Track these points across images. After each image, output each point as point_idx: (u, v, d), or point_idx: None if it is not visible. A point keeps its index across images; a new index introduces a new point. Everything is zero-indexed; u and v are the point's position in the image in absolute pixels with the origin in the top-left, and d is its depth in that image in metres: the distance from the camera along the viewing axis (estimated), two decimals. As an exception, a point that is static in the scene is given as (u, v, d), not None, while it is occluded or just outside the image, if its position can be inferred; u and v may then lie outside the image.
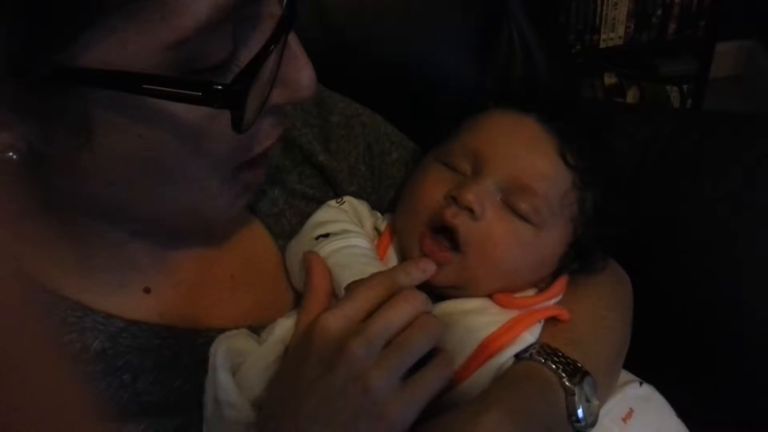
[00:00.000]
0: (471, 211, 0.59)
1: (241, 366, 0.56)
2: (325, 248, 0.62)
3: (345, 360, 0.49)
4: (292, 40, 0.49)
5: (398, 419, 0.48)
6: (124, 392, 0.55)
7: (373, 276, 0.55)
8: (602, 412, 0.59)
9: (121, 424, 0.54)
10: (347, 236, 0.63)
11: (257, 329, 0.61)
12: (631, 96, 2.28)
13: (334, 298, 0.58)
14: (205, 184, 0.52)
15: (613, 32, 2.20)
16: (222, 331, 0.59)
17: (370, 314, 0.52)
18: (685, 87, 2.27)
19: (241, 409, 0.53)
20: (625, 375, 0.67)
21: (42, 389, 0.38)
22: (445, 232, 0.60)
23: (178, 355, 0.58)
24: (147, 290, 0.60)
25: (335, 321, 0.51)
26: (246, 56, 0.45)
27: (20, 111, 0.43)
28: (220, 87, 0.43)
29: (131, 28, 0.40)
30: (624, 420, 0.62)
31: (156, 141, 0.46)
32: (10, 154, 0.44)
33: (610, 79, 2.28)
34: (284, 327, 0.57)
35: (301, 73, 0.50)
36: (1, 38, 0.38)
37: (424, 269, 0.57)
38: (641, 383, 0.67)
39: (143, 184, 0.50)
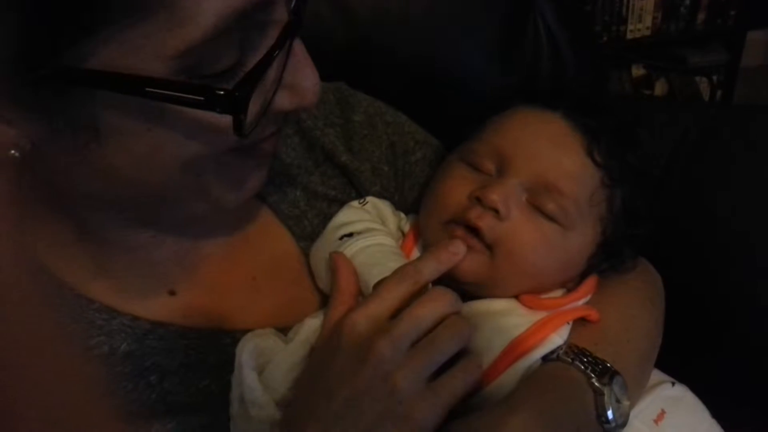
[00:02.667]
0: (496, 211, 0.58)
1: (267, 365, 0.56)
2: (351, 248, 0.61)
3: (372, 359, 0.49)
4: (298, 46, 0.50)
5: (424, 420, 0.48)
6: (152, 392, 0.56)
7: (398, 270, 0.54)
8: (633, 413, 0.58)
9: (148, 424, 0.55)
10: (372, 234, 0.63)
11: (281, 330, 0.61)
12: (660, 88, 2.25)
13: (362, 297, 0.58)
14: (209, 171, 0.52)
15: (641, 23, 2.17)
16: (246, 331, 0.59)
17: (398, 311, 0.51)
18: (714, 78, 2.24)
19: (267, 407, 0.53)
20: (657, 375, 0.66)
21: (66, 390, 0.38)
22: (471, 232, 0.59)
23: (204, 355, 0.59)
24: (172, 292, 0.61)
25: (362, 320, 0.51)
26: (251, 62, 0.46)
27: (26, 109, 0.44)
28: (222, 92, 0.43)
29: (139, 35, 0.41)
30: (655, 421, 0.61)
31: (158, 141, 0.47)
32: (13, 152, 0.44)
33: (637, 71, 2.25)
34: (310, 327, 0.57)
35: (305, 80, 0.50)
36: (10, 37, 0.39)
37: (453, 252, 0.56)
38: (674, 383, 0.66)
39: (146, 176, 0.50)
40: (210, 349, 0.60)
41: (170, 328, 0.59)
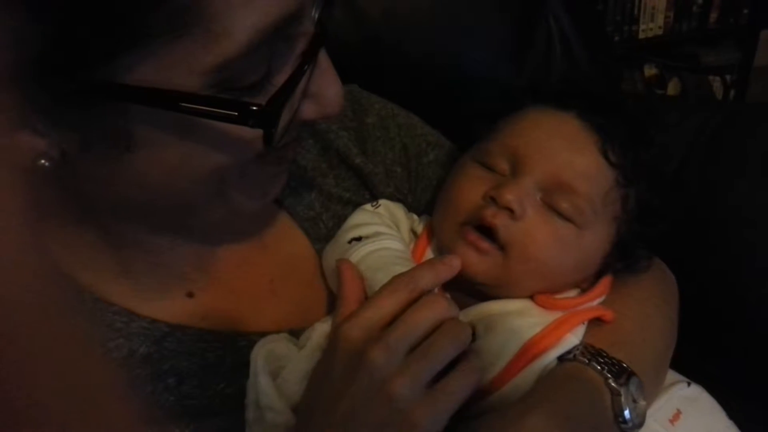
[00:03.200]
0: (511, 211, 0.58)
1: (282, 371, 0.56)
2: (358, 252, 0.61)
3: (365, 368, 0.48)
4: (322, 56, 0.50)
5: (426, 427, 0.47)
6: (170, 395, 0.56)
7: (393, 279, 0.54)
8: (648, 413, 0.57)
9: (165, 427, 0.55)
10: (380, 239, 0.63)
11: (298, 332, 0.61)
12: (672, 87, 2.23)
13: None
14: (234, 179, 0.53)
15: (653, 22, 2.16)
16: (263, 334, 0.60)
17: (394, 320, 0.51)
18: (728, 77, 2.22)
19: (282, 413, 0.54)
20: (672, 375, 0.66)
21: (84, 393, 0.39)
22: (486, 232, 0.59)
23: (221, 358, 0.59)
24: (190, 295, 0.61)
25: (355, 329, 0.50)
26: (279, 74, 0.46)
27: (59, 121, 0.44)
28: (255, 108, 0.44)
29: (175, 52, 0.41)
30: (671, 421, 0.61)
31: (190, 153, 0.47)
32: (43, 161, 0.45)
33: (650, 71, 2.24)
34: (322, 332, 0.58)
35: (330, 89, 0.51)
36: (47, 50, 0.39)
37: (450, 265, 0.56)
38: (689, 383, 0.65)
39: (176, 187, 0.51)
40: (227, 351, 0.60)
41: (188, 331, 0.59)
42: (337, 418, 0.48)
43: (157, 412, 0.55)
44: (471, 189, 0.61)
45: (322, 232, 0.69)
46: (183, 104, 0.43)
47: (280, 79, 0.46)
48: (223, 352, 0.60)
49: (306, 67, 0.47)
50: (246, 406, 0.56)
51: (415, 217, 0.71)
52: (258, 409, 0.54)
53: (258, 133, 0.46)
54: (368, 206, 0.69)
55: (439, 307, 0.51)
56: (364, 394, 0.48)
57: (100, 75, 0.41)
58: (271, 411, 0.54)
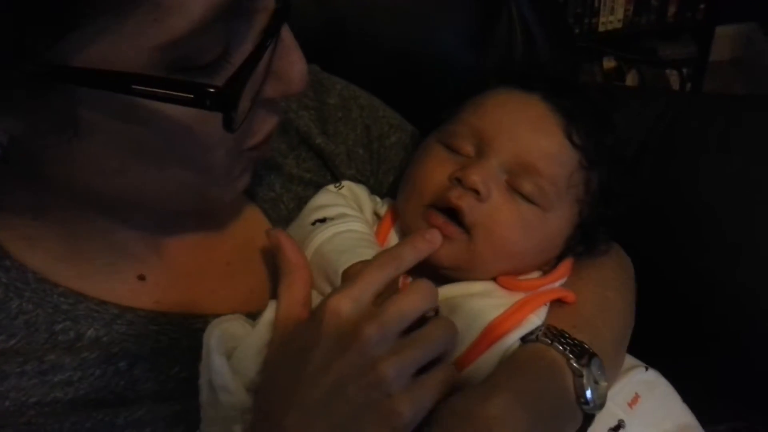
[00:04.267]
0: (476, 192, 0.57)
1: (235, 350, 0.54)
2: (322, 234, 0.60)
3: (358, 344, 0.47)
4: (285, 33, 0.48)
5: (407, 416, 0.46)
6: (120, 379, 0.54)
7: (379, 256, 0.53)
8: (607, 397, 0.58)
9: (116, 411, 0.53)
10: (344, 221, 0.62)
11: (255, 315, 0.59)
12: (631, 80, 2.27)
13: (329, 284, 0.57)
14: (202, 170, 0.51)
15: (612, 15, 2.19)
16: (220, 317, 0.58)
17: (379, 296, 0.50)
18: (684, 71, 2.27)
19: (236, 393, 0.51)
20: (630, 360, 0.66)
21: None
22: (451, 214, 0.59)
23: (175, 341, 0.57)
24: (142, 277, 0.59)
25: (346, 304, 0.49)
26: (238, 52, 0.44)
27: (4, 104, 0.42)
28: (212, 90, 0.42)
29: (123, 28, 0.39)
30: (630, 405, 0.62)
31: (148, 137, 0.45)
32: None
33: (609, 63, 2.27)
34: (274, 309, 0.56)
35: (294, 66, 0.49)
36: None
37: (430, 240, 0.55)
38: (647, 368, 0.66)
39: (137, 174, 0.48)
40: (182, 334, 0.58)
41: (140, 313, 0.57)
42: (320, 393, 0.46)
43: (107, 397, 0.53)
44: (436, 171, 0.61)
45: (283, 213, 0.67)
46: (134, 86, 0.40)
47: (239, 57, 0.44)
48: (177, 335, 0.58)
49: (268, 43, 0.45)
50: (199, 387, 0.54)
51: (377, 199, 0.70)
52: (211, 390, 0.52)
53: (216, 116, 0.43)
54: (332, 187, 0.67)
55: (430, 295, 0.51)
56: (353, 371, 0.46)
57: (45, 57, 0.39)
58: (225, 391, 0.51)
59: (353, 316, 0.48)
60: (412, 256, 0.53)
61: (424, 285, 0.51)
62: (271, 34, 0.45)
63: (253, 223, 0.67)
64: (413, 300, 0.49)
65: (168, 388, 0.56)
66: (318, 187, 0.68)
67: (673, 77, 2.26)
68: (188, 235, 0.62)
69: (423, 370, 0.49)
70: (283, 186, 0.69)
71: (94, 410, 0.52)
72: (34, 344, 0.53)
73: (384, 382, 0.46)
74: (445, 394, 0.49)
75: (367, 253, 0.56)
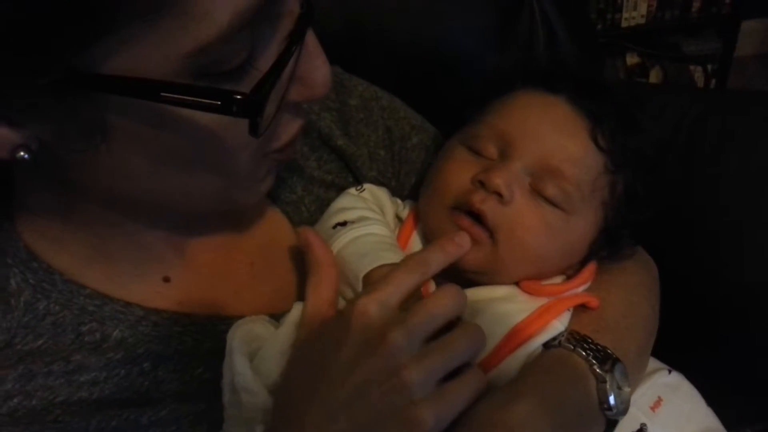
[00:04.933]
0: (499, 195, 0.57)
1: (258, 351, 0.55)
2: (343, 237, 0.60)
3: (385, 349, 0.46)
4: (309, 37, 0.48)
5: (430, 423, 0.45)
6: (144, 380, 0.55)
7: (407, 260, 0.52)
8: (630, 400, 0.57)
9: (141, 409, 0.53)
10: (365, 224, 0.61)
11: (278, 317, 0.60)
12: (654, 76, 2.25)
13: (350, 288, 0.57)
14: (227, 174, 0.51)
15: (636, 11, 2.16)
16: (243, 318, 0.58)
17: (406, 300, 0.50)
18: (709, 66, 2.24)
19: (258, 394, 0.52)
20: (653, 363, 0.66)
21: None
22: (473, 217, 0.58)
23: (199, 342, 0.58)
24: (166, 279, 0.60)
25: (374, 307, 0.48)
26: (263, 58, 0.44)
27: (35, 113, 0.42)
28: (239, 96, 0.42)
29: (150, 36, 0.39)
30: (652, 408, 0.61)
31: (175, 143, 0.46)
32: (22, 153, 0.44)
33: (632, 59, 2.25)
34: (299, 310, 0.56)
35: (317, 71, 0.49)
36: (19, 42, 0.38)
37: (459, 244, 0.54)
38: (670, 371, 0.66)
39: (163, 178, 0.49)
40: (205, 336, 0.59)
41: (164, 315, 0.58)
42: (344, 393, 0.46)
43: (131, 397, 0.54)
44: (458, 173, 0.60)
45: (304, 215, 0.68)
46: (162, 94, 0.41)
47: (264, 62, 0.44)
48: (201, 337, 0.58)
49: (294, 49, 0.45)
50: (222, 388, 0.54)
51: (399, 201, 0.70)
52: (234, 391, 0.53)
53: (243, 122, 0.43)
54: (353, 190, 0.67)
55: (459, 300, 0.50)
56: (378, 375, 0.46)
57: (73, 65, 0.39)
58: (247, 392, 0.52)
59: (381, 320, 0.48)
60: (440, 260, 0.53)
61: (453, 290, 0.50)
62: (296, 39, 0.45)
63: (275, 224, 0.67)
64: (441, 305, 0.49)
65: (191, 389, 0.56)
66: (339, 189, 0.68)
67: (698, 73, 2.23)
68: (212, 236, 0.63)
69: (451, 375, 0.48)
70: (305, 188, 0.69)
71: (119, 409, 0.53)
72: (60, 345, 0.54)
73: (407, 388, 0.45)
74: (471, 401, 0.48)
75: (388, 257, 0.56)
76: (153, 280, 0.59)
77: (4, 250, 0.55)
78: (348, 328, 0.48)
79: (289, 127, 0.53)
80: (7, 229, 0.56)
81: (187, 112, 0.42)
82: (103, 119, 0.43)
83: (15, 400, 0.51)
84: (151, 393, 0.55)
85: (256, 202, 0.58)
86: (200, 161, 0.48)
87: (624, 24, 2.17)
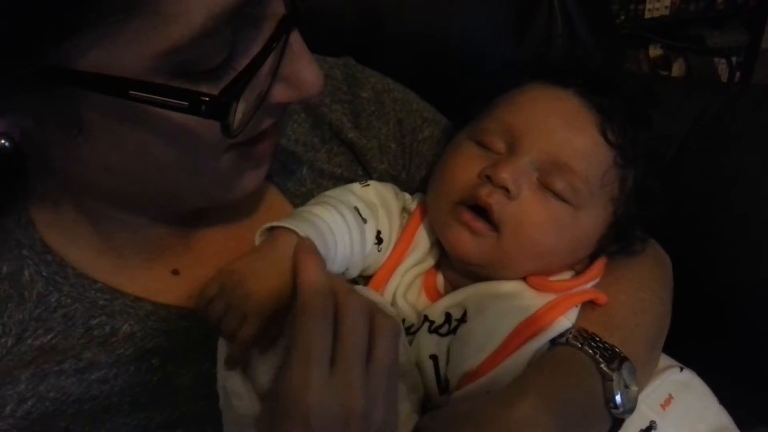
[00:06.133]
0: (506, 190, 0.57)
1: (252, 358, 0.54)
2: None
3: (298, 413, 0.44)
4: (294, 38, 0.48)
5: (386, 418, 0.45)
6: (153, 375, 0.56)
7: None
8: (640, 398, 0.57)
9: (150, 414, 0.54)
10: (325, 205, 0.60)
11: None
12: (677, 69, 2.21)
13: None
14: (203, 173, 0.51)
15: (659, 2, 2.13)
16: None
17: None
18: (734, 59, 2.20)
19: (246, 398, 0.50)
20: (664, 360, 0.65)
21: None
22: (480, 211, 0.58)
23: (206, 338, 0.58)
24: (175, 272, 0.60)
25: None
26: (243, 58, 0.45)
27: (13, 104, 0.44)
28: (207, 98, 0.42)
29: (123, 35, 0.40)
30: (663, 406, 0.61)
31: (147, 139, 0.46)
32: (3, 141, 0.45)
33: (655, 51, 2.22)
34: None
35: (304, 70, 0.49)
36: None
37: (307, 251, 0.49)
38: (682, 368, 0.65)
39: (141, 174, 0.50)
40: (213, 331, 0.59)
41: (172, 310, 0.59)
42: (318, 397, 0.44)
43: (141, 393, 0.55)
44: (466, 167, 0.60)
45: None
46: (132, 92, 0.41)
47: (244, 63, 0.45)
48: (209, 332, 0.58)
49: (271, 49, 0.45)
50: (218, 390, 0.54)
51: (407, 196, 0.69)
52: (225, 394, 0.52)
53: (216, 122, 0.44)
54: (357, 185, 0.67)
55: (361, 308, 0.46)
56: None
57: (49, 59, 0.40)
58: (237, 397, 0.51)
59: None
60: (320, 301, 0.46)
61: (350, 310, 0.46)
62: (273, 40, 0.45)
63: (283, 217, 0.67)
64: (351, 341, 0.45)
65: (199, 385, 0.57)
66: (348, 181, 0.68)
67: (722, 66, 2.19)
68: (219, 228, 0.63)
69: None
70: (314, 181, 0.69)
71: (128, 415, 0.53)
72: (70, 339, 0.55)
73: (354, 416, 0.44)
74: (396, 355, 0.46)
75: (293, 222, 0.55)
76: (162, 274, 0.60)
77: (20, 241, 0.56)
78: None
79: (260, 123, 0.52)
80: (24, 222, 0.57)
81: (158, 110, 0.43)
82: (79, 112, 0.44)
83: (29, 403, 0.52)
84: (161, 390, 0.56)
85: (239, 199, 0.57)
86: (175, 160, 0.49)
87: (647, 15, 2.14)
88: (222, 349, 0.53)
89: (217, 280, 0.50)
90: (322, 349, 0.44)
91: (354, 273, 0.63)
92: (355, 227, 0.60)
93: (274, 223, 0.55)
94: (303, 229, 0.54)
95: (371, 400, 0.45)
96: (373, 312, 0.47)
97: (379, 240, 0.63)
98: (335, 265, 0.57)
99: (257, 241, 0.55)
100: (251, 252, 0.53)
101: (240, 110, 0.45)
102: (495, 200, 0.57)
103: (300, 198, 0.68)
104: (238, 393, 0.51)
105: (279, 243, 0.53)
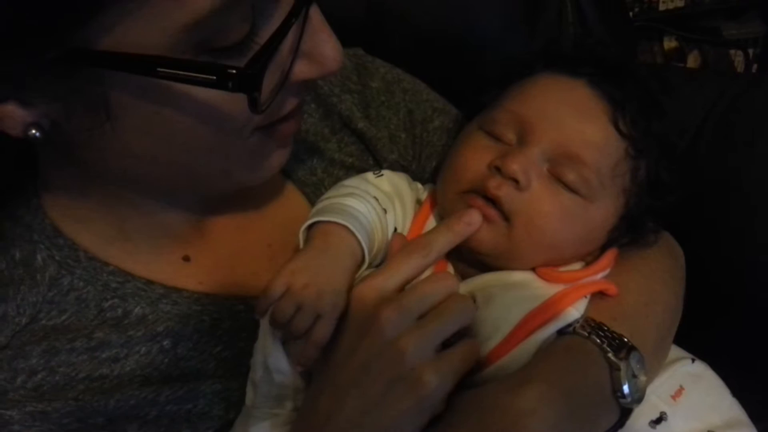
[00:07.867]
0: (516, 181, 0.56)
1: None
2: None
3: (378, 326, 0.49)
4: (314, 13, 0.48)
5: (434, 386, 0.48)
6: (164, 357, 0.56)
7: (409, 243, 0.54)
8: (650, 388, 0.57)
9: (159, 388, 0.55)
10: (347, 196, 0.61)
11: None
12: (692, 61, 2.18)
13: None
14: (229, 154, 0.52)
15: (674, -7, 2.10)
16: None
17: (408, 283, 0.52)
18: (750, 51, 2.17)
19: (290, 374, 0.54)
20: (676, 351, 0.65)
21: None
22: (490, 202, 0.58)
23: (217, 321, 0.59)
24: (186, 258, 0.61)
25: (368, 293, 0.51)
26: (265, 32, 0.45)
27: (42, 91, 0.44)
28: (234, 71, 0.42)
29: (145, 11, 0.40)
30: (673, 397, 0.60)
31: (175, 119, 0.46)
32: (33, 131, 0.45)
33: (670, 44, 2.19)
34: None
35: (325, 45, 0.49)
36: (17, 21, 0.39)
37: (468, 222, 0.55)
38: (693, 360, 0.64)
39: (168, 157, 0.50)
40: (224, 315, 0.60)
41: (184, 294, 0.59)
42: (349, 373, 0.49)
43: (151, 374, 0.56)
44: (475, 158, 0.60)
45: None
46: (158, 69, 0.41)
47: (266, 37, 0.45)
48: (220, 316, 0.59)
49: (289, 25, 0.45)
50: (252, 366, 0.56)
51: (419, 186, 0.69)
52: (266, 370, 0.55)
53: (243, 98, 0.44)
54: (370, 174, 0.67)
55: (450, 283, 0.52)
56: (377, 350, 0.49)
57: (73, 42, 0.40)
58: (280, 373, 0.54)
59: (375, 303, 0.50)
60: (446, 240, 0.55)
61: (445, 274, 0.53)
62: (294, 13, 0.45)
63: (294, 206, 0.68)
64: (431, 287, 0.51)
65: (209, 367, 0.58)
66: (359, 171, 0.68)
67: (738, 58, 2.16)
68: (230, 216, 0.64)
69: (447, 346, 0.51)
70: (325, 170, 0.69)
71: (138, 389, 0.54)
72: (83, 320, 0.56)
73: (405, 356, 0.48)
74: (468, 364, 0.51)
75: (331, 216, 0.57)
76: (173, 260, 0.60)
77: (30, 226, 0.57)
78: (346, 314, 0.51)
79: (286, 104, 0.53)
80: (34, 206, 0.57)
81: (185, 88, 0.43)
82: (106, 96, 0.44)
83: (39, 376, 0.53)
84: (171, 370, 0.57)
85: (262, 181, 0.58)
86: (202, 140, 0.49)
87: (662, 7, 2.11)
88: (265, 329, 0.55)
89: (281, 280, 0.52)
90: (399, 268, 0.52)
91: (375, 264, 0.63)
92: (382, 218, 0.61)
93: (321, 218, 0.56)
94: (352, 224, 0.56)
95: (412, 336, 0.49)
96: (456, 290, 0.53)
97: (394, 230, 0.63)
98: (370, 256, 0.58)
99: (301, 236, 0.56)
100: (306, 249, 0.55)
101: (265, 86, 0.45)
102: (504, 192, 0.57)
103: (311, 187, 0.68)
104: (280, 369, 0.55)
105: (333, 238, 0.55)
